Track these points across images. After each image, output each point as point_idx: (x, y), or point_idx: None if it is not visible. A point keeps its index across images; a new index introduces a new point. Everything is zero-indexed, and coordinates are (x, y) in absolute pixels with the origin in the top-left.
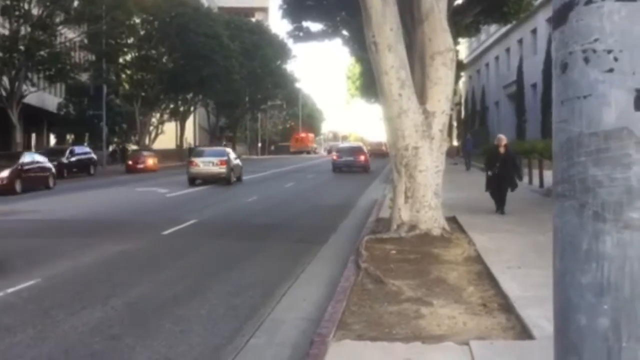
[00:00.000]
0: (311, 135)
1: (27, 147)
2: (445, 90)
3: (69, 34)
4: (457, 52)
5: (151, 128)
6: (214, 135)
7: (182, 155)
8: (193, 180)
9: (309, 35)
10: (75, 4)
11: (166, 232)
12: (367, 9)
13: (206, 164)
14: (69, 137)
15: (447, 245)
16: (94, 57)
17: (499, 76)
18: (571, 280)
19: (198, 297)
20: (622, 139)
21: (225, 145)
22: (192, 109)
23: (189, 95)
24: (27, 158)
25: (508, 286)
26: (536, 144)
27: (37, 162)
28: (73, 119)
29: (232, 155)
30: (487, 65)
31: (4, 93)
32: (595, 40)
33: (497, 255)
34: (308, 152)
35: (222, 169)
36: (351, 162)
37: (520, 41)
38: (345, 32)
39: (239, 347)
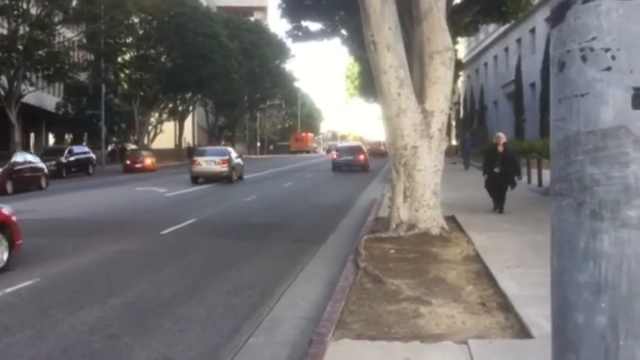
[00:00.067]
0: (311, 134)
1: (26, 147)
2: (444, 89)
3: (67, 34)
4: (455, 51)
5: (150, 128)
6: (213, 134)
7: (180, 154)
8: (196, 179)
9: (307, 35)
10: (74, 3)
11: (165, 232)
12: (366, 8)
13: (208, 163)
14: (68, 137)
15: (446, 245)
16: (92, 57)
17: (498, 75)
18: (569, 278)
19: (197, 297)
20: (619, 137)
21: (225, 145)
22: (191, 108)
23: (188, 95)
24: (18, 158)
25: (507, 285)
26: (535, 143)
27: (29, 162)
28: (72, 119)
29: (234, 154)
30: (485, 64)
31: (2, 92)
32: (593, 38)
33: (495, 255)
34: (308, 152)
35: (224, 168)
36: (351, 161)
37: (518, 40)
38: (344, 32)
39: (238, 346)
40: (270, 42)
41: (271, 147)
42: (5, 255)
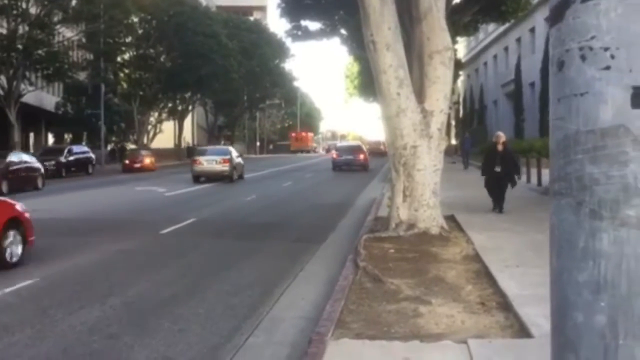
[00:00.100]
0: (310, 134)
1: (25, 147)
2: (443, 89)
3: (67, 33)
4: (455, 51)
5: (149, 127)
6: (212, 134)
7: (180, 154)
8: (197, 178)
9: (307, 34)
10: (73, 3)
11: (165, 231)
12: (366, 7)
13: (210, 162)
14: (67, 137)
15: (446, 244)
16: (92, 56)
17: (497, 75)
18: (568, 278)
19: (197, 296)
20: (618, 136)
21: (224, 144)
22: (190, 108)
23: (187, 94)
24: (14, 158)
25: (506, 285)
26: (534, 143)
27: (25, 162)
28: (71, 118)
29: (235, 153)
30: (485, 64)
31: (1, 92)
32: (592, 37)
33: (495, 254)
34: (308, 151)
35: (225, 167)
36: (351, 160)
37: (518, 40)
38: (343, 31)
39: (238, 345)
40: (269, 41)
41: (271, 146)
42: (20, 250)
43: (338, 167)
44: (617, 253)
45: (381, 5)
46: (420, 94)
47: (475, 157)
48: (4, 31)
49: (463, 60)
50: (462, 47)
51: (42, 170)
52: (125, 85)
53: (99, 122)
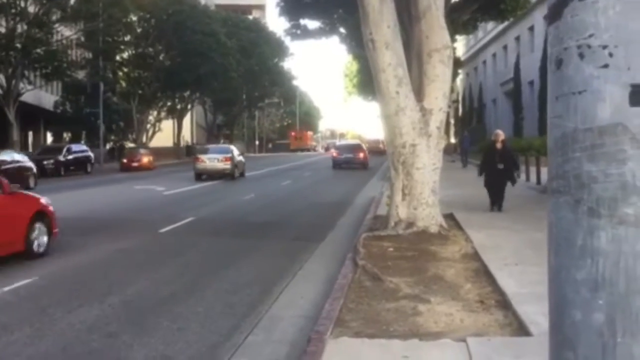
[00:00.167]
0: (310, 133)
1: (24, 145)
2: (442, 87)
3: (65, 32)
4: (454, 49)
5: (148, 126)
6: (212, 133)
7: (179, 153)
8: (200, 176)
9: (306, 33)
10: (72, 1)
11: (163, 230)
12: (364, 6)
13: (212, 161)
14: (66, 135)
15: (445, 243)
16: (90, 55)
17: (496, 73)
18: (566, 276)
19: (196, 295)
20: (616, 134)
21: (224, 143)
22: (189, 106)
23: (186, 93)
24: (5, 157)
25: (505, 283)
26: (533, 141)
27: (17, 162)
28: (70, 117)
29: (236, 152)
30: (484, 62)
31: (0, 91)
32: (590, 35)
33: (494, 253)
34: (308, 150)
35: (227, 165)
36: (351, 159)
37: (517, 38)
38: (342, 30)
39: (237, 344)
40: (268, 40)
41: (270, 145)
42: (45, 241)
43: (338, 165)
44: (615, 251)
45: (380, 3)
46: (419, 93)
47: (474, 155)
48: (3, 30)
49: (462, 59)
50: (461, 46)
51: (35, 169)
52: (124, 84)
53: (97, 121)
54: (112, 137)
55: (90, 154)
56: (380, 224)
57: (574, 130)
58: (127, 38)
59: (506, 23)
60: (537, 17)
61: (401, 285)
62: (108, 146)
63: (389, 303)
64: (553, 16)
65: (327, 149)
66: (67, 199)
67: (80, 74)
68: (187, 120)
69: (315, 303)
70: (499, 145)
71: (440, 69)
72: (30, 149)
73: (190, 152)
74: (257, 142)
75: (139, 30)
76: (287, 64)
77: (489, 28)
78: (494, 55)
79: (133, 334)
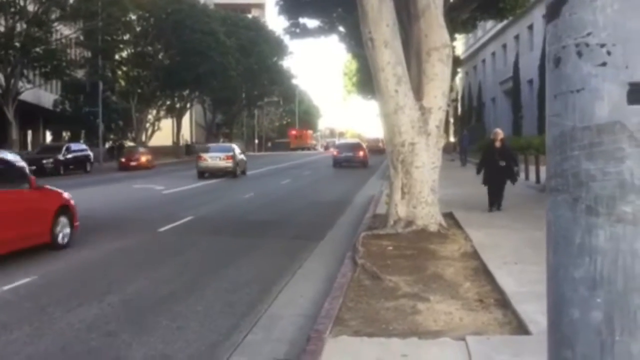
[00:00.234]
0: (310, 131)
1: (23, 144)
2: (441, 86)
3: (64, 31)
4: (453, 48)
5: (147, 125)
6: (211, 132)
7: (178, 152)
8: (202, 174)
9: (305, 32)
10: (71, 0)
11: (162, 229)
12: (364, 5)
13: (214, 159)
14: (65, 134)
15: (444, 241)
16: (89, 54)
17: (496, 72)
18: (564, 274)
19: (195, 294)
20: (615, 132)
21: (223, 142)
22: (188, 105)
23: (185, 92)
24: None
25: (504, 282)
26: (532, 140)
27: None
28: (69, 116)
29: (237, 150)
30: (483, 61)
31: None
32: (589, 34)
33: (493, 251)
34: (308, 149)
35: (229, 163)
36: (351, 157)
37: (516, 37)
38: (341, 29)
39: (236, 343)
40: (267, 39)
41: (269, 144)
42: (68, 233)
43: (339, 163)
44: (613, 249)
45: (379, 2)
46: (418, 91)
47: (473, 154)
48: (2, 29)
49: (461, 58)
50: (460, 45)
51: (27, 169)
52: (123, 83)
53: (97, 119)
54: (112, 136)
55: (90, 153)
56: (379, 223)
57: (572, 129)
58: (126, 37)
59: (505, 22)
60: (537, 16)
61: (400, 284)
62: (107, 145)
63: (388, 302)
64: (551, 14)
65: (326, 147)
66: None
67: (80, 73)
68: (186, 119)
69: (314, 302)
70: (498, 144)
71: (440, 67)
72: (30, 148)
73: (190, 151)
74: (256, 141)
75: (138, 29)
76: (287, 63)
77: (488, 27)
78: (493, 54)
79: (132, 333)
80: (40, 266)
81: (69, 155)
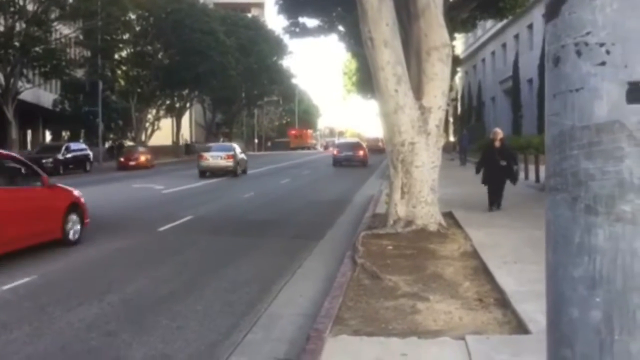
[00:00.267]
0: (310, 131)
1: (23, 144)
2: (441, 85)
3: (64, 30)
4: (453, 47)
5: (147, 124)
6: (210, 131)
7: (178, 151)
8: (203, 173)
9: (305, 31)
10: (70, 0)
11: (162, 229)
12: (363, 4)
13: (215, 158)
14: (65, 134)
15: (444, 241)
16: (89, 53)
17: (495, 71)
18: (563, 273)
19: (194, 294)
20: (614, 132)
21: (223, 141)
22: (188, 105)
23: (185, 92)
24: None
25: (504, 281)
26: (532, 139)
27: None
28: (69, 116)
29: (238, 150)
30: (483, 60)
31: None
32: (588, 33)
33: (493, 251)
34: (308, 148)
35: (230, 162)
36: (351, 156)
37: (516, 36)
38: (341, 28)
39: (236, 342)
40: (267, 38)
41: (269, 143)
42: (78, 230)
43: (339, 162)
44: (612, 248)
45: (379, 1)
46: (418, 91)
47: (473, 153)
48: (1, 28)
49: (461, 57)
50: (460, 44)
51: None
52: (122, 83)
53: (96, 119)
54: (111, 136)
55: (89, 152)
56: (379, 222)
57: (571, 128)
58: (126, 36)
59: (505, 21)
60: (536, 15)
61: (400, 284)
62: (107, 145)
63: (388, 301)
64: (551, 14)
65: (326, 147)
66: None
67: (79, 73)
68: (186, 119)
69: (314, 301)
70: (497, 144)
71: (439, 67)
72: (29, 148)
73: (189, 150)
74: (256, 141)
75: (137, 28)
76: (286, 62)
77: (488, 26)
78: (493, 53)
79: (132, 333)
80: (39, 266)
81: (69, 155)
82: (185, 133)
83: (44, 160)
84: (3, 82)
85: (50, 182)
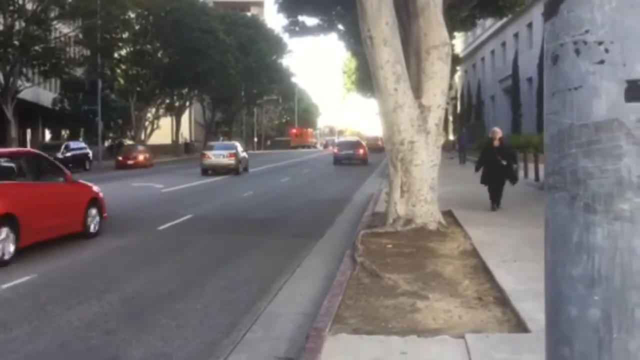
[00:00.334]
0: (310, 130)
1: (23, 143)
2: (440, 84)
3: (63, 29)
4: (452, 46)
5: (147, 123)
6: (210, 130)
7: (177, 150)
8: (206, 171)
9: (304, 30)
10: None
11: (162, 228)
12: (363, 3)
13: (217, 156)
14: (64, 133)
15: (443, 239)
16: (88, 52)
17: (495, 70)
18: (562, 272)
19: (194, 292)
20: (612, 130)
21: (223, 140)
22: (187, 104)
23: (185, 90)
24: None
25: (503, 280)
26: (532, 138)
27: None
28: (68, 114)
29: (240, 148)
30: (482, 59)
31: None
32: (586, 31)
33: (492, 249)
34: (308, 147)
35: (232, 161)
36: (351, 155)
37: (516, 35)
38: (340, 27)
39: (236, 341)
40: (267, 37)
41: (268, 142)
42: (98, 224)
43: (339, 161)
44: (611, 247)
45: (378, 0)
46: (417, 90)
47: (472, 152)
48: (1, 27)
49: (460, 56)
50: (459, 43)
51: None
52: (122, 81)
53: (96, 118)
54: (111, 135)
55: (89, 151)
56: (378, 221)
57: (570, 127)
58: (125, 35)
59: (504, 20)
60: (536, 14)
61: (400, 282)
62: (106, 143)
63: (388, 300)
64: (549, 12)
65: (325, 145)
66: None
67: (79, 71)
68: (185, 118)
69: (314, 300)
70: (496, 143)
71: (439, 65)
72: (29, 146)
73: (189, 149)
74: (255, 139)
75: (137, 27)
76: (286, 61)
77: (488, 25)
78: (493, 52)
79: (132, 331)
80: (39, 264)
81: (68, 154)
82: (185, 132)
83: None
84: (2, 81)
85: (73, 179)
